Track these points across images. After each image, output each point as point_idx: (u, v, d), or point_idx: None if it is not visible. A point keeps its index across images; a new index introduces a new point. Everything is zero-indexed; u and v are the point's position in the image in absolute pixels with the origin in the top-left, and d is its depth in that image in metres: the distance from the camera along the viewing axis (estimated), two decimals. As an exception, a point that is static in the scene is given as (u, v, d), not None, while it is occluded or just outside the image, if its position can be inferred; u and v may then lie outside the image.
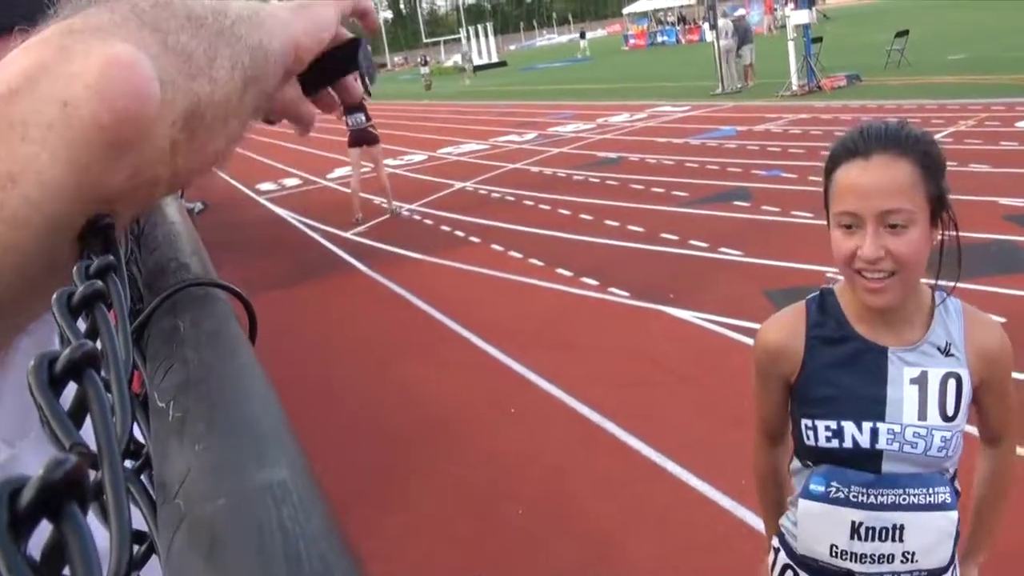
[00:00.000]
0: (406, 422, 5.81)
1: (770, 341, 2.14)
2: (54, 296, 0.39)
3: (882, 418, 1.94)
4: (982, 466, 2.23)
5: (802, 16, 20.66)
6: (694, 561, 3.94)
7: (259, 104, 0.63)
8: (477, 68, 64.40)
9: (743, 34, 23.89)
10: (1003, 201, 8.86)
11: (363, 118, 12.55)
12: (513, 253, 9.57)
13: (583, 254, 9.35)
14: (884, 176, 1.80)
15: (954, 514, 1.97)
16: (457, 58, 75.22)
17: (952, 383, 1.93)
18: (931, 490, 1.95)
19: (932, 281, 1.99)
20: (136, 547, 0.36)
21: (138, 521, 0.36)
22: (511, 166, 16.27)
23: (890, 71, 22.14)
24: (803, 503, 2.06)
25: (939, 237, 1.90)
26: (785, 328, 2.11)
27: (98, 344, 0.36)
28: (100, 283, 0.41)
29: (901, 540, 1.97)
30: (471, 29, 75.83)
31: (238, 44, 0.58)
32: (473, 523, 4.52)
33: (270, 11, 0.67)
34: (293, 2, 0.75)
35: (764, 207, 10.08)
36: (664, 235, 9.45)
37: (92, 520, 0.28)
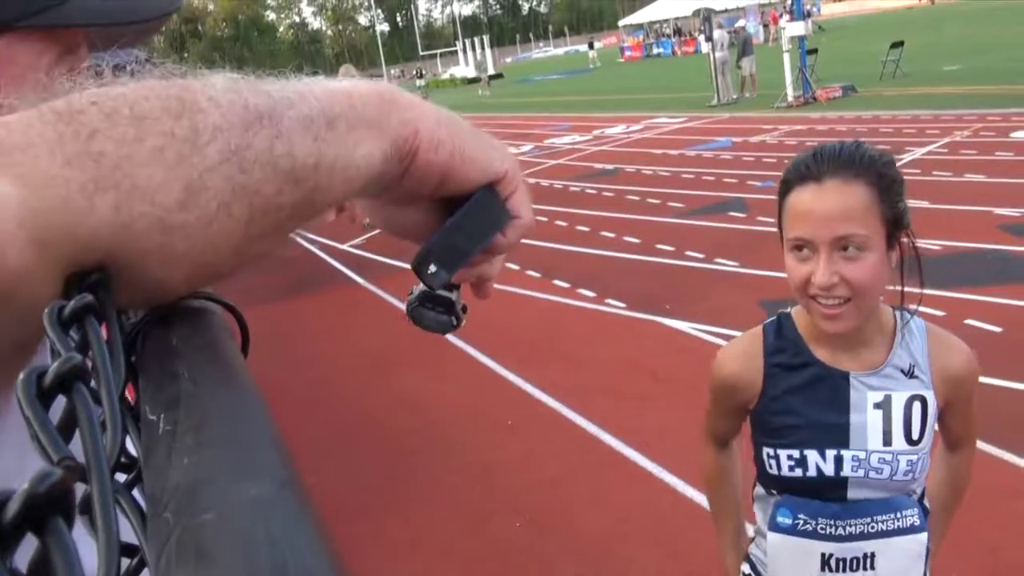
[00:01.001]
0: (404, 434, 5.80)
1: (728, 372, 2.08)
2: (45, 310, 0.39)
3: (846, 445, 1.89)
4: (939, 467, 2.17)
5: (797, 28, 20.69)
6: (692, 572, 3.93)
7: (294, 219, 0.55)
8: (471, 81, 64.37)
9: (743, 45, 23.94)
10: (998, 211, 8.87)
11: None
12: (510, 264, 9.52)
13: (580, 265, 9.35)
14: (837, 201, 1.74)
15: (923, 535, 1.93)
16: (453, 71, 75.27)
17: (917, 405, 1.89)
18: (899, 514, 1.91)
19: (900, 297, 1.95)
20: (127, 561, 0.36)
21: (133, 534, 0.36)
22: (507, 178, 16.25)
23: (885, 82, 22.19)
24: (771, 536, 2.02)
25: (897, 258, 1.84)
26: (742, 357, 2.05)
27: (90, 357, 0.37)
28: (91, 296, 0.40)
29: (872, 568, 1.93)
30: (467, 41, 75.94)
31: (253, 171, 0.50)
32: (471, 535, 4.51)
33: (354, 116, 0.58)
34: (453, 119, 0.66)
35: (760, 218, 10.08)
36: (660, 246, 9.46)
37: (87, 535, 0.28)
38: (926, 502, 2.03)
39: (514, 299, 8.41)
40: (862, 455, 1.88)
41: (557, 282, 8.79)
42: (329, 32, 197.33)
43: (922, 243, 6.75)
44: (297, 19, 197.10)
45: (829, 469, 1.90)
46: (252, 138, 0.51)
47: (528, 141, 21.80)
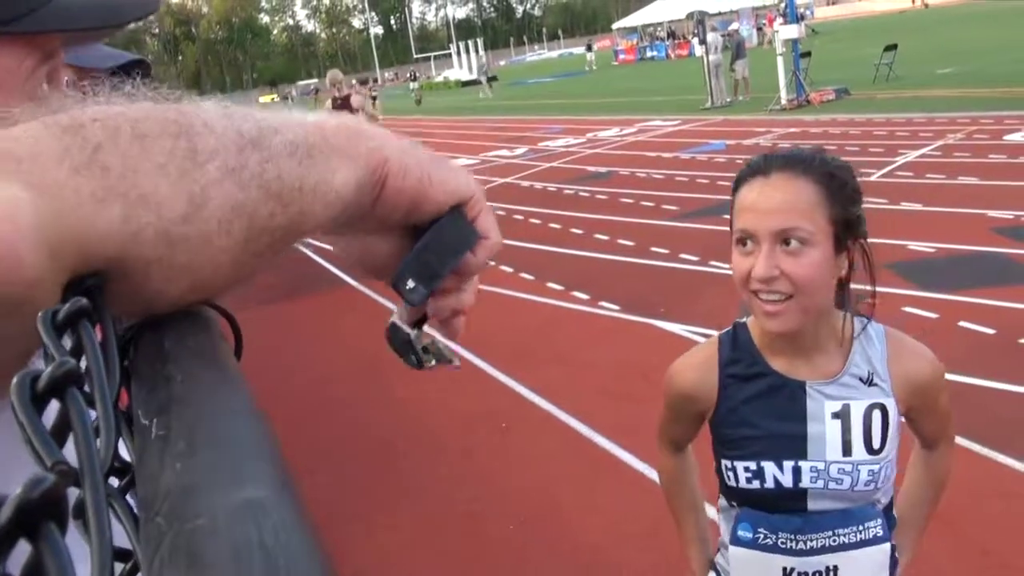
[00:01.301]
0: (397, 437, 5.80)
1: (683, 383, 2.06)
2: (39, 314, 0.39)
3: (804, 456, 1.86)
4: (917, 465, 2.14)
5: (791, 31, 20.73)
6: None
7: (276, 240, 0.57)
8: (466, 84, 64.33)
9: (736, 48, 23.99)
10: (992, 213, 8.88)
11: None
12: (504, 267, 9.55)
13: (573, 268, 9.36)
14: (781, 194, 1.73)
15: (887, 545, 1.89)
16: (447, 73, 75.31)
17: (877, 414, 1.85)
18: (861, 526, 1.87)
19: (845, 303, 1.91)
20: (121, 565, 0.36)
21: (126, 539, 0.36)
22: (501, 180, 16.28)
23: (879, 85, 22.22)
24: (733, 549, 1.99)
25: (847, 265, 1.81)
26: (698, 369, 2.03)
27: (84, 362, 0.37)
28: (86, 300, 0.40)
29: None
30: (461, 44, 76.00)
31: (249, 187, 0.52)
32: (464, 538, 4.51)
33: (334, 144, 0.60)
34: (418, 151, 0.69)
35: (754, 221, 10.09)
36: (654, 249, 9.46)
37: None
38: (894, 512, 2.01)
39: (508, 302, 8.41)
40: (821, 466, 1.85)
41: (551, 285, 8.79)
42: (323, 35, 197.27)
43: (916, 245, 6.80)
44: (291, 22, 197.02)
45: (787, 481, 1.87)
46: (246, 160, 0.53)
47: (522, 144, 21.81)
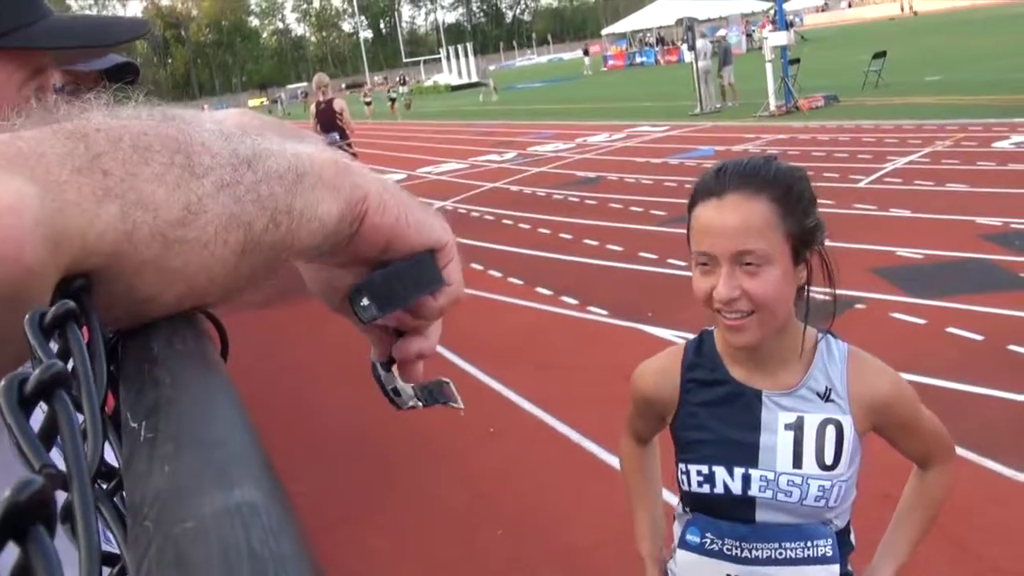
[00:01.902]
0: (387, 442, 5.79)
1: (646, 384, 2.12)
2: (26, 316, 0.39)
3: (754, 464, 1.88)
4: (909, 489, 2.12)
5: (780, 38, 20.80)
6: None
7: (268, 264, 0.58)
8: (456, 88, 64.30)
9: (723, 55, 24.06)
10: (980, 220, 8.92)
11: (337, 136, 12.54)
12: (493, 272, 9.56)
13: (562, 273, 9.37)
14: (736, 216, 1.74)
15: (835, 567, 1.88)
16: (437, 78, 75.32)
17: (831, 430, 1.86)
18: (809, 543, 1.87)
19: (804, 314, 1.91)
20: (108, 569, 0.36)
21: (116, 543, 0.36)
22: (490, 185, 16.30)
23: (868, 92, 22.30)
24: (680, 553, 2.03)
25: (804, 279, 1.84)
26: (661, 371, 2.08)
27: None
28: (72, 303, 0.40)
29: None
30: (451, 49, 76.02)
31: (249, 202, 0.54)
32: (454, 544, 4.51)
33: (325, 176, 0.62)
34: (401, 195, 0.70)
35: (743, 226, 10.12)
36: (643, 254, 9.48)
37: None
38: (852, 538, 2.00)
39: (496, 307, 8.42)
40: (770, 475, 1.86)
41: (540, 290, 8.81)
42: (313, 38, 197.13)
43: (904, 252, 6.82)
44: (281, 25, 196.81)
45: (736, 487, 1.89)
46: (240, 177, 0.54)
47: (511, 149, 21.83)
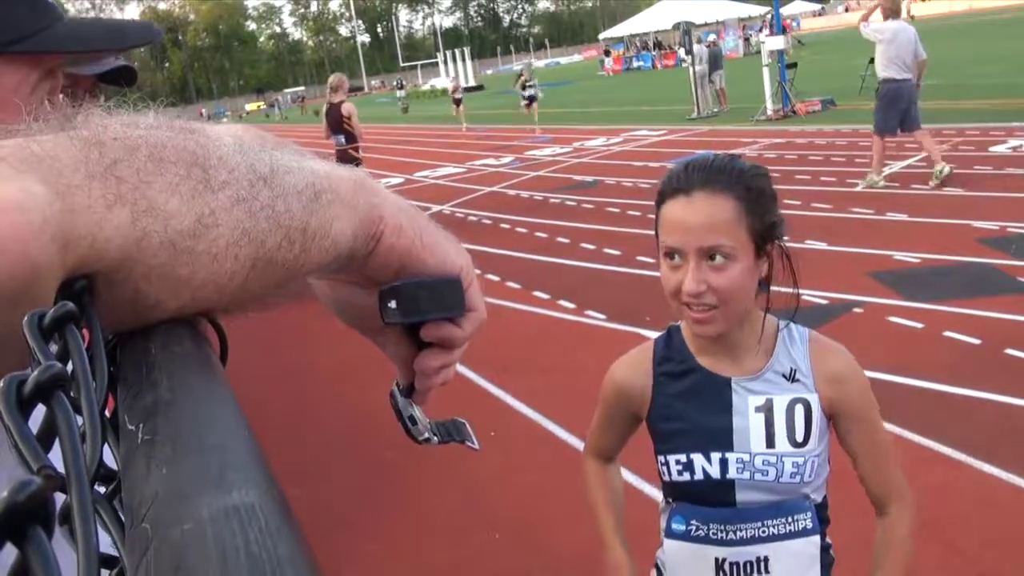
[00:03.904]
0: (383, 446, 5.78)
1: (618, 379, 2.18)
2: (25, 318, 0.39)
3: (730, 448, 1.95)
4: (876, 541, 2.10)
5: (777, 42, 20.82)
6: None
7: (278, 280, 0.59)
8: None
9: (713, 60, 24.10)
10: (976, 224, 8.92)
11: (343, 139, 12.49)
12: (490, 276, 9.56)
13: (560, 277, 9.36)
14: (704, 213, 1.82)
15: (816, 538, 1.97)
16: (434, 82, 75.30)
17: (800, 408, 1.95)
18: (791, 518, 1.95)
19: (766, 303, 2.00)
20: (107, 571, 0.36)
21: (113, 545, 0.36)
22: (488, 189, 16.30)
23: (865, 96, 22.25)
24: (667, 542, 2.08)
25: (766, 270, 1.92)
26: (633, 366, 2.15)
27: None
28: (72, 304, 0.40)
29: (767, 571, 1.97)
30: (448, 53, 76.06)
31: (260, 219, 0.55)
32: (450, 549, 4.50)
33: (346, 198, 0.63)
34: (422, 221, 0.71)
35: (740, 230, 10.11)
36: (640, 258, 9.46)
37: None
38: (828, 513, 2.06)
39: (494, 311, 8.39)
40: (746, 457, 1.94)
41: (537, 294, 8.80)
42: (310, 43, 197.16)
43: (901, 256, 6.81)
44: (278, 29, 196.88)
45: (715, 472, 1.96)
46: (256, 193, 0.55)
47: (508, 153, 21.84)
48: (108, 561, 0.35)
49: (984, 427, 4.85)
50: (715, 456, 1.96)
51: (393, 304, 0.71)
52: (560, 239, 11.09)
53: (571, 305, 8.28)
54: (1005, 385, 5.29)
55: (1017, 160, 12.08)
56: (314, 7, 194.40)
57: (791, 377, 1.97)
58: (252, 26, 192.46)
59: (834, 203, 10.84)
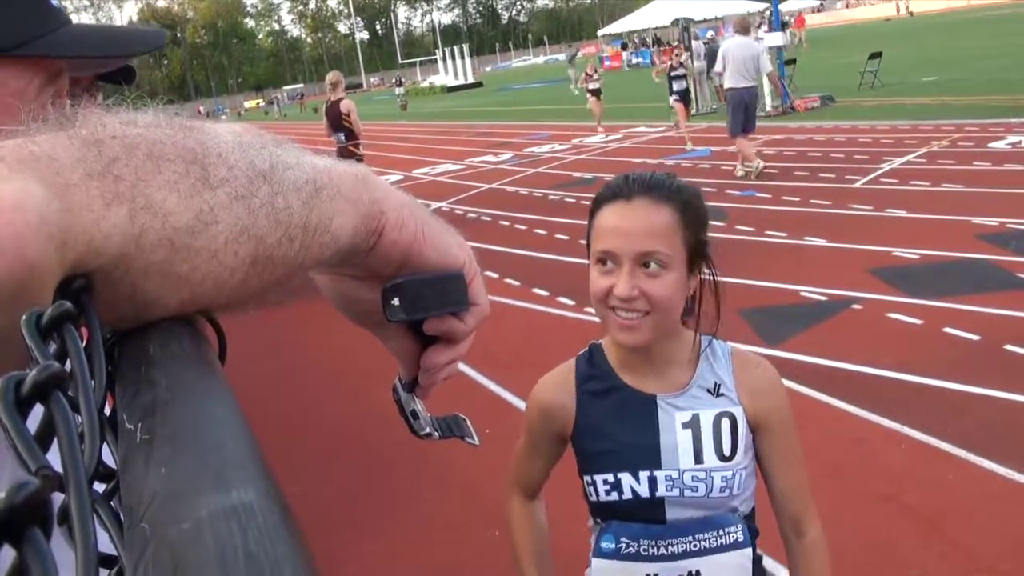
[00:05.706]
0: (382, 445, 5.78)
1: (542, 400, 2.17)
2: (23, 317, 0.39)
3: (658, 466, 1.93)
4: (798, 564, 2.08)
5: (775, 39, 20.82)
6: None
7: (276, 275, 0.59)
8: (452, 89, 64.22)
9: (710, 56, 24.08)
10: (976, 220, 8.93)
11: (343, 137, 12.49)
12: (489, 273, 9.55)
13: (559, 274, 9.35)
14: (643, 218, 1.84)
15: (748, 550, 1.95)
16: (433, 79, 75.27)
17: (726, 422, 1.94)
18: (721, 531, 1.93)
19: (696, 322, 2.02)
20: (106, 571, 0.36)
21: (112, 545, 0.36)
22: (487, 186, 16.30)
23: (864, 92, 22.31)
24: (595, 561, 2.06)
25: (695, 288, 1.95)
26: (556, 387, 2.13)
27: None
28: (70, 303, 0.40)
29: None
30: (447, 50, 76.01)
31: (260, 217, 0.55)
32: (450, 547, 4.50)
33: (349, 194, 0.63)
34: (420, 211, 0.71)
35: (739, 227, 10.12)
36: (640, 255, 9.46)
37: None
38: (756, 524, 2.04)
39: (494, 307, 8.32)
40: (675, 474, 1.92)
41: (537, 290, 8.80)
42: (308, 40, 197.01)
43: (901, 252, 6.80)
44: (276, 26, 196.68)
45: (644, 490, 1.94)
46: (255, 189, 0.55)
47: (508, 150, 21.84)
48: (107, 560, 0.35)
49: (984, 423, 4.85)
50: (643, 475, 1.93)
51: (397, 301, 0.71)
52: (559, 236, 11.09)
53: (571, 302, 8.28)
54: (1004, 381, 5.30)
55: (1016, 156, 12.08)
56: (312, 4, 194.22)
57: (715, 391, 1.96)
58: (251, 23, 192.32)
59: (833, 199, 10.85)
